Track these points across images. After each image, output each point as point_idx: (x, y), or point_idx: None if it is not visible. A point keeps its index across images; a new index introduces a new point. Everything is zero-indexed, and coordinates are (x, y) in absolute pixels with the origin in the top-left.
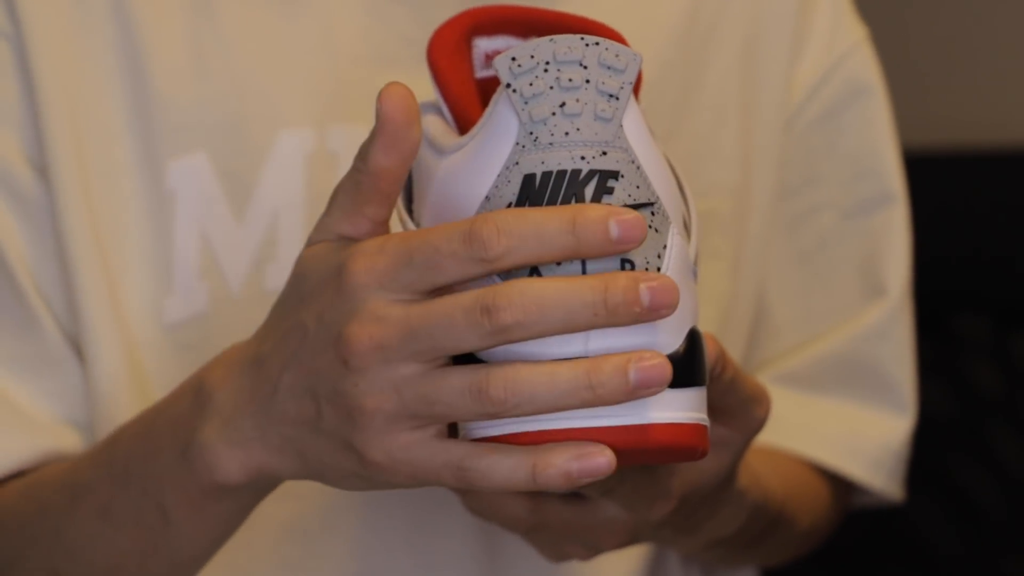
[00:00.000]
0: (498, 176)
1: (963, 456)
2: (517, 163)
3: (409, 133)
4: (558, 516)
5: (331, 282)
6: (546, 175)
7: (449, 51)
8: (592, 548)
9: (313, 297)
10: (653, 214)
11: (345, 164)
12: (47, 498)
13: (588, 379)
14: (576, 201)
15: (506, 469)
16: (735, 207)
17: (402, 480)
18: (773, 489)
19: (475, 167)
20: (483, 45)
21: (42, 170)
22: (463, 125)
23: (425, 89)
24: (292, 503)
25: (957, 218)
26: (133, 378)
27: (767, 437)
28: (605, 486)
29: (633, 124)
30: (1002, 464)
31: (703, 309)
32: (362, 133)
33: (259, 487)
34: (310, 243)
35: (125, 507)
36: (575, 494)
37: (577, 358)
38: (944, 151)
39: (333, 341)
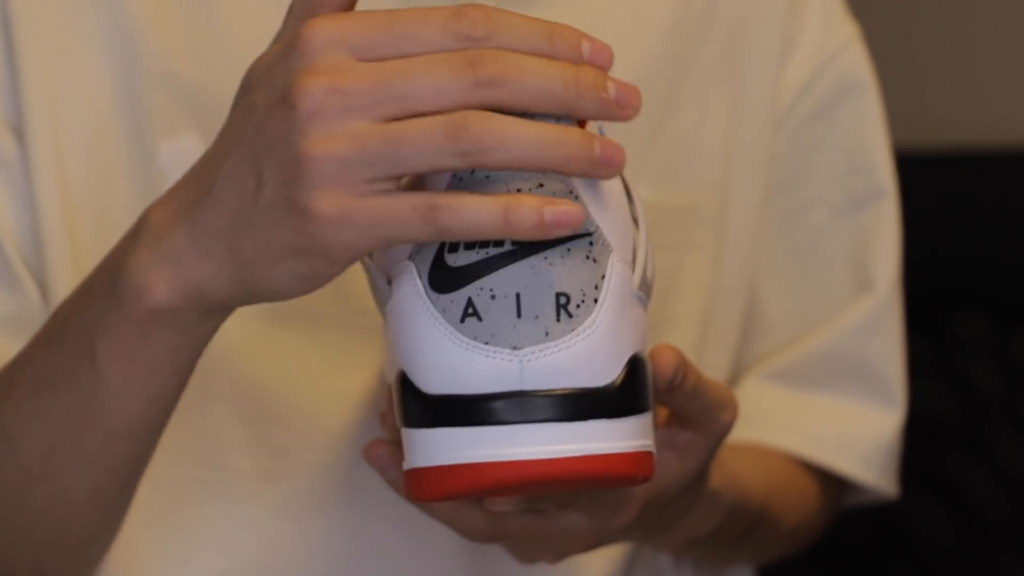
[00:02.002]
0: None
1: (963, 456)
2: None
3: None
4: (519, 526)
5: (282, 51)
6: None
7: None
8: (557, 553)
9: (264, 78)
10: (592, 244)
11: None
12: None
13: (561, 138)
14: None
15: (480, 211)
16: (719, 203)
17: (353, 236)
18: (753, 488)
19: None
20: None
21: (21, 139)
22: None
23: None
24: (280, 484)
25: (957, 218)
26: None
27: (757, 433)
28: (561, 501)
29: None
30: (1002, 464)
31: (686, 301)
32: None
33: (189, 316)
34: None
35: (59, 370)
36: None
37: (511, 392)
38: (944, 151)
39: (282, 95)
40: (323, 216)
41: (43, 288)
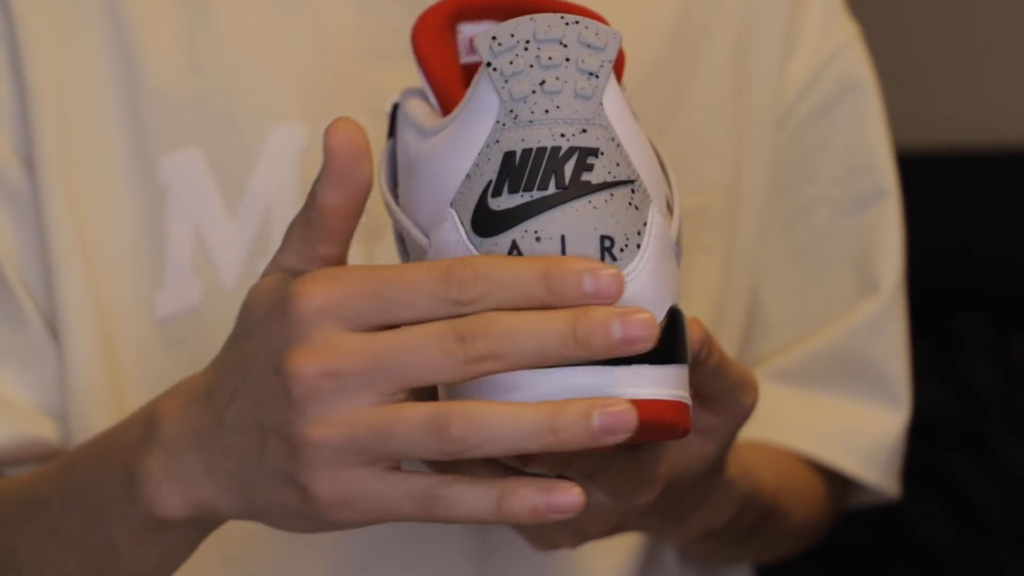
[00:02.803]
0: (479, 154)
1: (963, 456)
2: (498, 141)
3: (358, 169)
4: None
5: (278, 309)
6: (526, 152)
7: (433, 36)
8: (579, 535)
9: (260, 327)
10: (633, 191)
11: None
12: (4, 510)
13: (551, 422)
14: (556, 178)
15: (473, 499)
16: (727, 203)
17: (354, 516)
18: (765, 482)
19: (457, 146)
20: (468, 31)
21: (29, 164)
22: (447, 110)
23: (416, 82)
24: None
25: (957, 218)
26: (108, 373)
27: (761, 432)
28: (587, 470)
29: (613, 102)
30: (1002, 464)
31: (696, 304)
32: None
33: (202, 524)
34: (263, 276)
35: (74, 529)
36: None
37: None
38: (945, 151)
39: (275, 370)
40: (323, 499)
41: (53, 309)
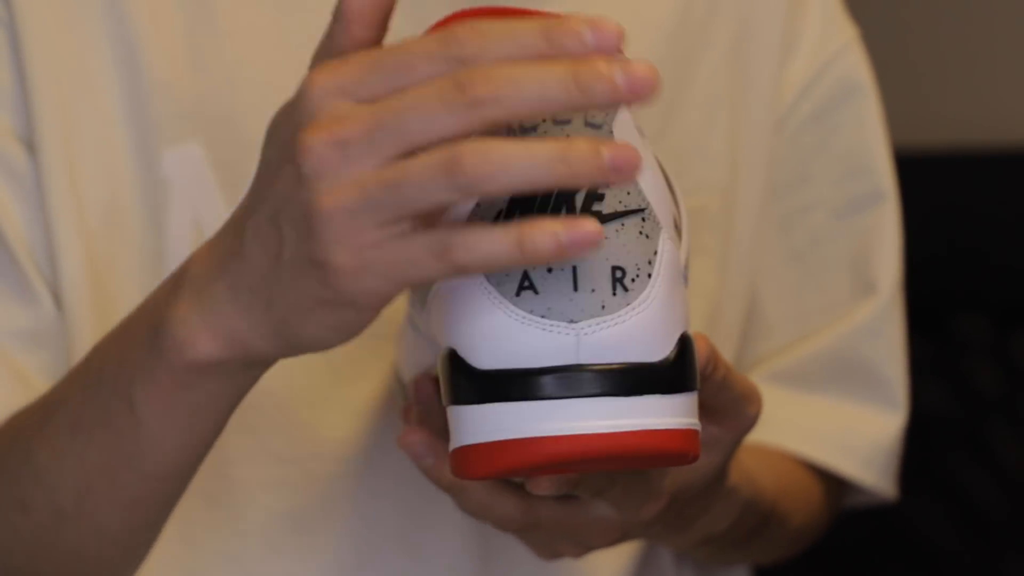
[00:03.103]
0: None
1: (963, 456)
2: None
3: None
4: (550, 515)
5: (289, 104)
6: None
7: None
8: (584, 546)
9: (275, 133)
10: (644, 220)
11: None
12: (21, 423)
13: (563, 153)
14: (567, 209)
15: (493, 241)
16: (723, 205)
17: (375, 283)
18: (765, 486)
19: None
20: None
21: (32, 150)
22: None
23: None
24: (284, 494)
25: (957, 218)
26: None
27: (758, 434)
28: (597, 487)
29: (623, 129)
30: (1002, 464)
31: (692, 305)
32: None
33: (232, 369)
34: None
35: (95, 413)
36: (567, 494)
37: (567, 366)
38: (944, 151)
39: (288, 152)
40: (341, 268)
41: (57, 298)
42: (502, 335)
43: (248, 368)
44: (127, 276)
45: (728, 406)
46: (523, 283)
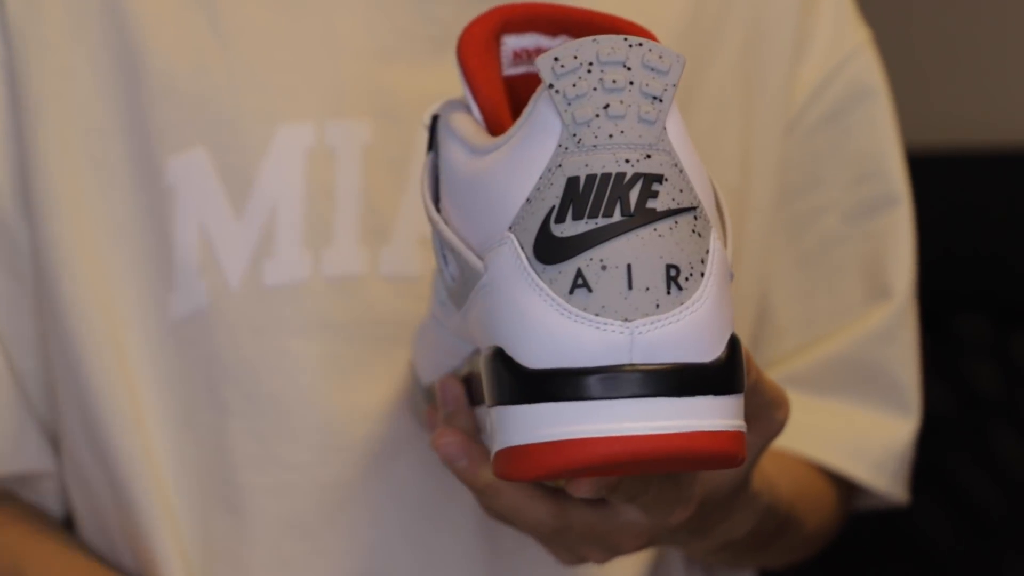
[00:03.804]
0: (540, 178)
1: (963, 456)
2: (560, 165)
3: None
4: (581, 520)
5: None
6: (590, 178)
7: (479, 49)
8: (611, 551)
9: None
10: (696, 218)
11: (344, 159)
12: None
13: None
14: (621, 205)
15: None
16: (735, 208)
17: None
18: (782, 491)
19: (515, 168)
20: (511, 43)
21: (26, 176)
22: (492, 124)
23: (425, 82)
24: (292, 499)
25: (958, 218)
26: (121, 378)
27: None
28: (632, 491)
29: (675, 127)
30: (1002, 464)
31: None
32: (361, 128)
33: None
34: None
35: None
36: (598, 498)
37: (620, 366)
38: (945, 151)
39: None
40: None
41: (58, 321)
42: (554, 333)
43: None
44: (138, 288)
45: (758, 411)
46: (576, 281)
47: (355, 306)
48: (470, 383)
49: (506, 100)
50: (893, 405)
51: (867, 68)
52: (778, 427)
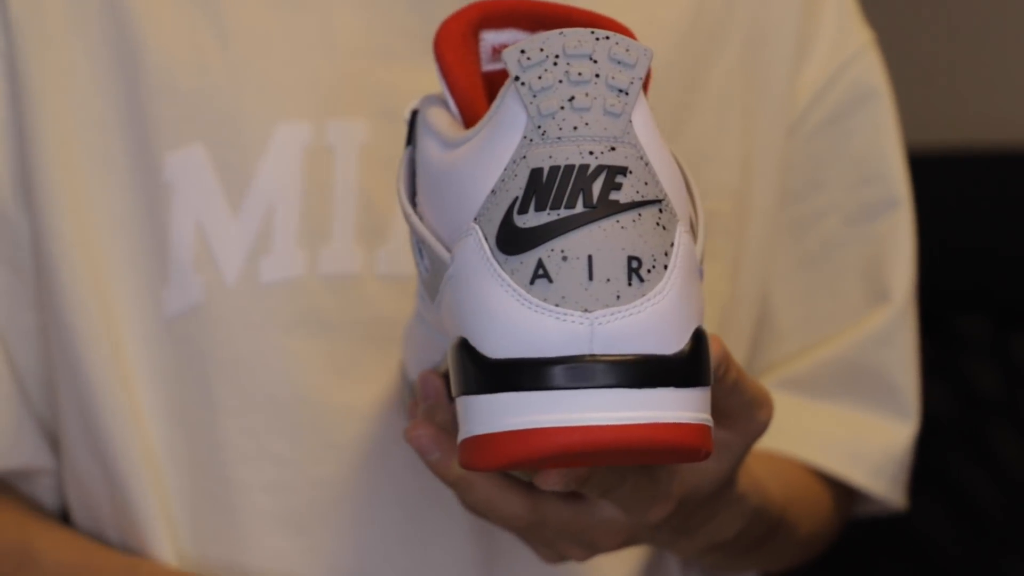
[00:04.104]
0: (505, 169)
1: (963, 456)
2: (524, 157)
3: None
4: (556, 515)
5: None
6: (553, 169)
7: (456, 44)
8: (590, 548)
9: None
10: (661, 211)
11: (342, 158)
12: None
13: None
14: (584, 197)
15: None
16: (735, 209)
17: None
18: (774, 494)
19: (481, 160)
20: (490, 38)
21: (26, 171)
22: (469, 119)
23: (423, 82)
24: (285, 496)
25: (958, 218)
26: (117, 373)
27: (768, 442)
28: (605, 485)
29: (642, 120)
30: (1002, 464)
31: None
32: (360, 127)
33: None
34: None
35: None
36: (574, 493)
37: (580, 356)
38: (945, 150)
39: None
40: None
41: (57, 315)
42: (515, 323)
43: None
44: (134, 283)
45: (739, 410)
46: (537, 271)
47: (351, 305)
48: (448, 378)
49: (484, 95)
50: (892, 409)
51: (870, 70)
52: (760, 427)
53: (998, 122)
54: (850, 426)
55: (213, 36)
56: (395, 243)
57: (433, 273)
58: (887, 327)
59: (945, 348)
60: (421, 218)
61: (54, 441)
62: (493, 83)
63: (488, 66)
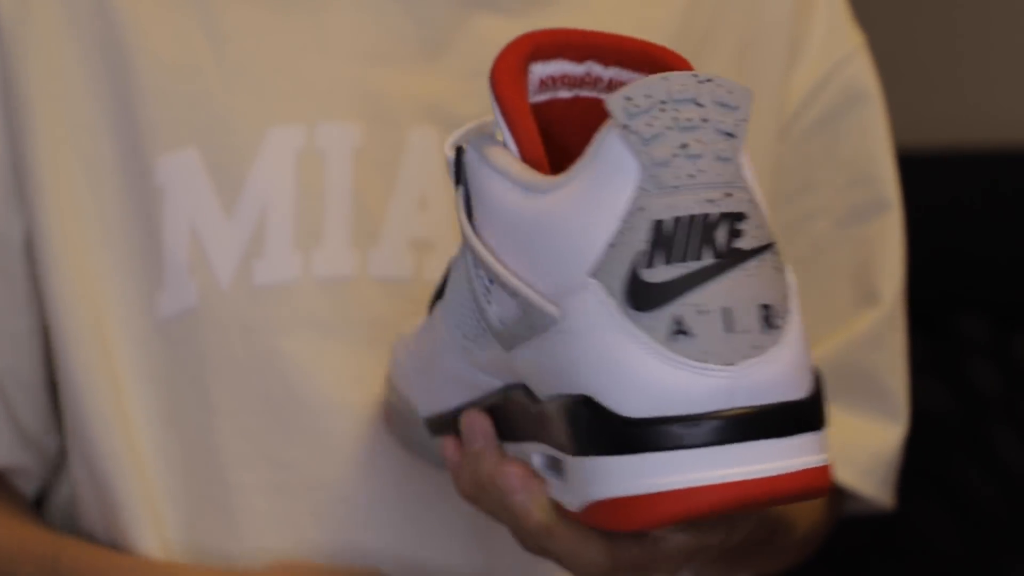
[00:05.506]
0: (622, 221)
1: (963, 456)
2: (642, 208)
3: None
4: (629, 555)
5: None
6: (676, 220)
7: (513, 79)
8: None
9: None
10: (775, 254)
11: (334, 161)
12: None
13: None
14: (710, 247)
15: None
16: None
17: None
18: None
19: (586, 209)
20: (538, 70)
21: (17, 175)
22: (527, 155)
23: (415, 85)
24: (283, 499)
25: (957, 218)
26: (106, 376)
27: None
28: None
29: (745, 162)
30: (1002, 464)
31: None
32: (353, 130)
33: None
34: None
35: None
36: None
37: (725, 410)
38: (943, 150)
39: None
40: None
41: (50, 313)
42: (654, 381)
43: None
44: (126, 287)
45: None
46: (674, 327)
47: (345, 307)
48: (494, 416)
49: (536, 129)
50: (881, 411)
51: (861, 72)
52: None
53: (999, 122)
54: (840, 428)
55: (205, 39)
56: (388, 245)
57: (524, 325)
58: (876, 329)
59: (945, 348)
60: (488, 248)
61: (38, 443)
62: (539, 116)
63: (534, 98)
